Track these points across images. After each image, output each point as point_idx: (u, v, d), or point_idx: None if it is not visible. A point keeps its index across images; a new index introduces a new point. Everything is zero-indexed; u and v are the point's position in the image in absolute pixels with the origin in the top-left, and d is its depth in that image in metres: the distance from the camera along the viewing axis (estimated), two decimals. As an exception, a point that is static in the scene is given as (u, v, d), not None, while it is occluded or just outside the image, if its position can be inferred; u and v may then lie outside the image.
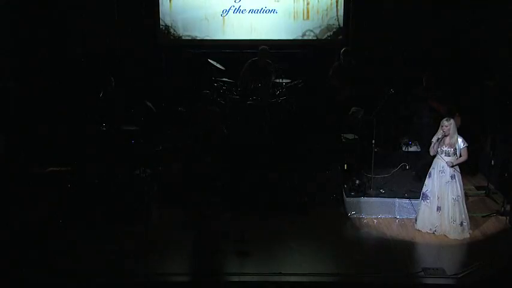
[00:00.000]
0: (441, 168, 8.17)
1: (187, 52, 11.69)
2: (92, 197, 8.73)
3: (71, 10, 11.38)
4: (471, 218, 8.40)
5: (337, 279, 7.30)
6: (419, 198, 8.47)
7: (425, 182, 8.32)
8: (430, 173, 8.27)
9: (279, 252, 7.76)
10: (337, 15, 11.89)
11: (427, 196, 8.25)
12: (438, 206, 8.19)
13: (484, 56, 11.00)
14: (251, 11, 11.85)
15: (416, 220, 8.44)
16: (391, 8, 11.41)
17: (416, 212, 8.53)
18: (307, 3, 11.83)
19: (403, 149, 10.24)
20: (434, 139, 8.18)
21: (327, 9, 11.86)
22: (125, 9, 11.68)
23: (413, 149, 10.23)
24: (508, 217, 8.59)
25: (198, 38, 11.96)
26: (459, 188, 8.18)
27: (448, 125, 8.07)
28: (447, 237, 8.17)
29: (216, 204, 8.90)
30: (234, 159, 9.63)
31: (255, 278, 7.23)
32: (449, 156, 8.12)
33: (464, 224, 8.21)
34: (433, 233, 8.23)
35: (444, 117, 8.25)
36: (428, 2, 11.34)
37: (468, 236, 8.21)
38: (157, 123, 10.32)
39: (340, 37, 11.95)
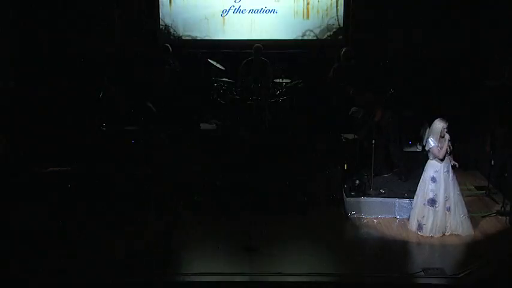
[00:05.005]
0: (447, 169, 8.16)
1: (188, 52, 11.70)
2: (92, 197, 8.73)
3: (71, 10, 11.38)
4: (471, 218, 8.42)
5: (337, 279, 7.30)
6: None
7: (430, 188, 8.16)
8: (433, 178, 8.14)
9: (279, 252, 7.76)
10: (337, 15, 11.89)
11: (435, 201, 8.15)
12: (448, 206, 8.16)
13: (484, 56, 11.01)
14: (251, 11, 11.86)
15: (420, 227, 8.22)
16: (391, 7, 11.41)
17: (420, 218, 8.28)
18: (307, 3, 11.83)
19: (403, 148, 10.23)
20: (436, 143, 8.06)
21: (327, 9, 11.86)
22: (125, 9, 11.69)
23: (413, 149, 10.23)
24: (508, 217, 8.59)
25: (198, 38, 11.97)
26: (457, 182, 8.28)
27: (446, 125, 8.09)
28: (459, 235, 8.16)
29: (215, 205, 8.92)
30: (233, 159, 9.64)
31: (255, 278, 7.23)
32: (449, 154, 8.17)
33: (468, 216, 8.28)
34: (444, 234, 8.20)
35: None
36: (428, 2, 11.34)
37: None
38: (157, 123, 10.34)
39: (340, 37, 11.96)
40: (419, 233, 8.25)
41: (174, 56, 11.22)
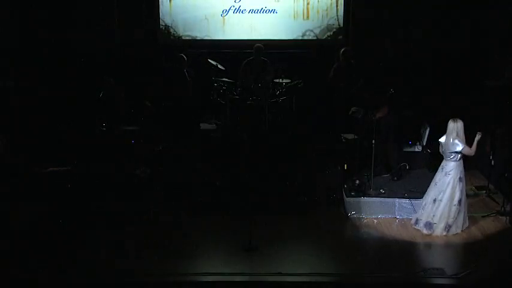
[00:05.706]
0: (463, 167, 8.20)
1: (189, 52, 11.70)
2: (92, 197, 8.74)
3: (71, 10, 11.38)
4: (471, 218, 8.45)
5: (337, 279, 7.30)
6: (419, 198, 8.52)
7: (459, 188, 8.09)
8: (460, 178, 8.10)
9: (279, 252, 7.76)
10: (337, 15, 11.90)
11: (461, 199, 8.15)
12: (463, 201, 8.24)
13: (484, 56, 11.01)
14: (251, 11, 11.86)
15: (448, 229, 8.15)
16: (391, 7, 11.41)
17: (450, 221, 8.19)
18: (307, 3, 11.84)
19: (403, 148, 10.23)
20: (463, 143, 8.01)
21: (327, 9, 11.87)
22: (125, 9, 11.69)
23: (413, 149, 10.22)
24: (508, 217, 8.59)
25: (198, 38, 11.97)
26: None
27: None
28: (458, 235, 8.18)
29: (215, 205, 8.92)
30: (233, 159, 9.64)
31: (255, 278, 7.23)
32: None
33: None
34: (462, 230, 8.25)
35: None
36: (428, 2, 11.35)
37: None
38: (157, 123, 10.34)
39: (340, 37, 11.97)
40: (446, 234, 8.17)
41: (191, 67, 11.08)
